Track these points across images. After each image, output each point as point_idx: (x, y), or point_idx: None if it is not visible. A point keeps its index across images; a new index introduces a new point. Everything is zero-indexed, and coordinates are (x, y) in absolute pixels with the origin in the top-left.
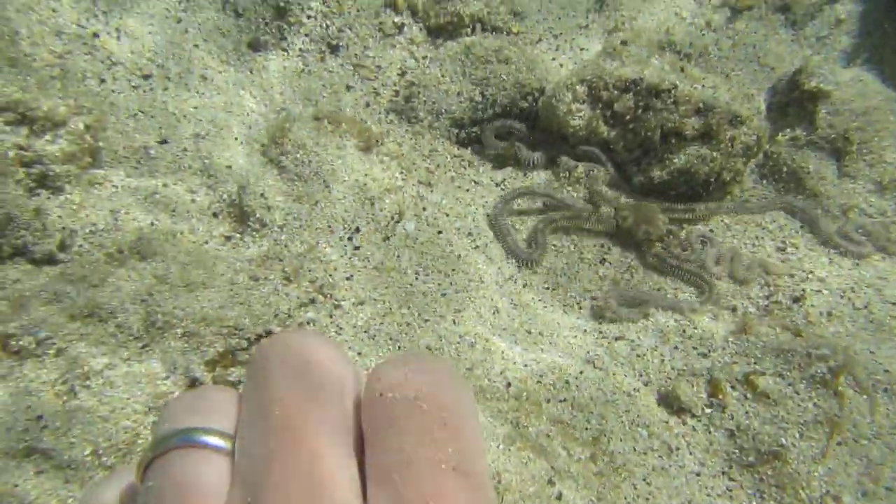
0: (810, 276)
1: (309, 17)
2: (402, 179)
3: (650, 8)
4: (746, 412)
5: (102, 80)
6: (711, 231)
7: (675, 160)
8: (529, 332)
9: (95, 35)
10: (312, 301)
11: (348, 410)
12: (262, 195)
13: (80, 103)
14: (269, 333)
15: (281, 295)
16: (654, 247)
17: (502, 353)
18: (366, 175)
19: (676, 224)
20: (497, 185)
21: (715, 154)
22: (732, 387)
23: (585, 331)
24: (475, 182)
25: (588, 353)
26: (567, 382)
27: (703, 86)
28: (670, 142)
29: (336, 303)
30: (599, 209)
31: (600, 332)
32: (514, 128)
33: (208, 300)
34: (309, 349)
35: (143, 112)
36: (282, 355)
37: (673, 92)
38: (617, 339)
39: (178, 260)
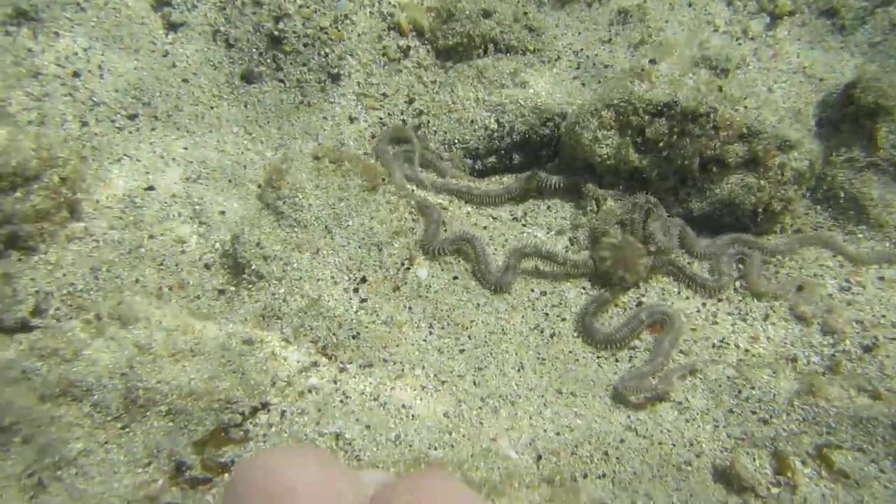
0: (882, 320)
1: (306, 44)
2: (413, 220)
3: (678, 17)
4: (822, 495)
5: (84, 123)
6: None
7: (717, 190)
8: (560, 393)
9: (76, 74)
10: (315, 364)
11: None
12: (258, 244)
13: (55, 154)
14: (265, 406)
15: (279, 359)
16: (609, 303)
17: (530, 418)
18: (372, 218)
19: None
20: (517, 219)
21: (762, 183)
22: (803, 462)
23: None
24: (493, 218)
25: (629, 416)
26: (606, 454)
27: (746, 107)
28: (711, 170)
29: (341, 366)
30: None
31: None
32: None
33: (197, 370)
34: (293, 475)
35: (128, 156)
36: (261, 485)
37: (712, 116)
38: (661, 400)
39: (162, 325)
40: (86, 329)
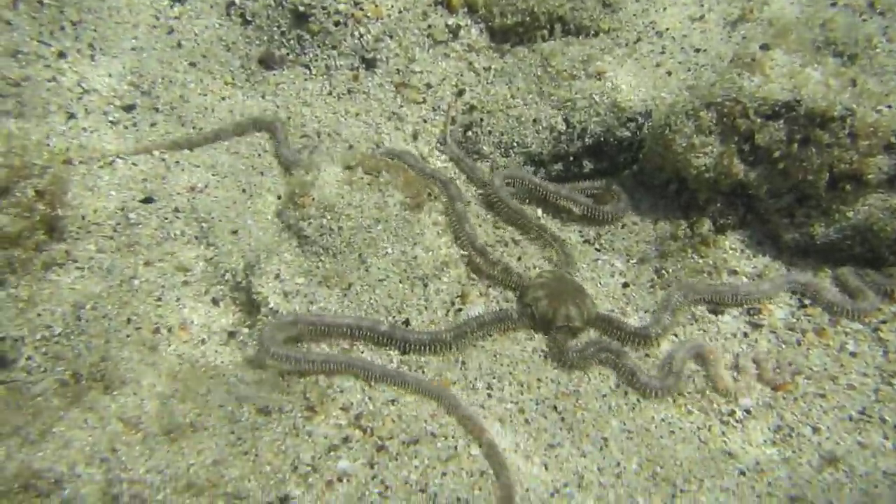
0: None
1: (337, 23)
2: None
3: None
4: None
5: (71, 116)
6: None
7: (850, 214)
8: (655, 479)
9: (62, 54)
10: (345, 440)
11: None
12: (276, 276)
13: (30, 160)
14: (284, 501)
15: (302, 435)
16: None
17: None
18: (415, 244)
19: None
20: (588, 242)
21: None
22: None
23: None
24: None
25: None
26: None
27: (892, 106)
28: (843, 189)
29: (379, 442)
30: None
31: None
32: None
33: (197, 453)
34: None
35: (122, 158)
36: None
37: (848, 120)
38: None
39: (155, 390)
40: (60, 393)
